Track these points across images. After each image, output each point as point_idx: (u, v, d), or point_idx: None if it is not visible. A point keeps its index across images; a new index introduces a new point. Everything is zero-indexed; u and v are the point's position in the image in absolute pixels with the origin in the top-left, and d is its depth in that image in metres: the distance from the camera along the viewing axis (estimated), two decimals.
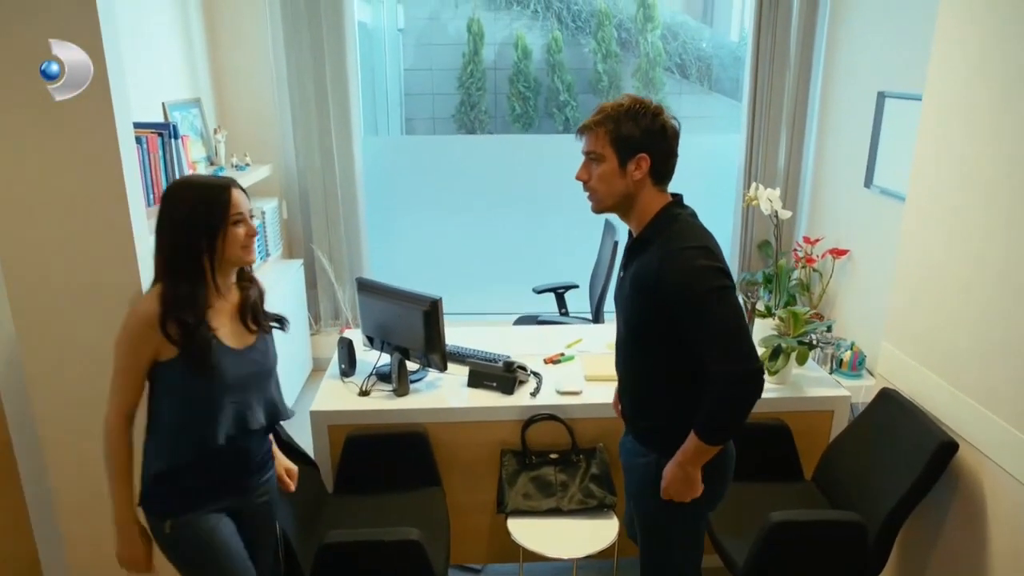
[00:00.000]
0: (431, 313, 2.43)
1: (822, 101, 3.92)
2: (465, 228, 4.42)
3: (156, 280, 1.59)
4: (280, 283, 3.59)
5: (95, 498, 1.99)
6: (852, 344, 3.43)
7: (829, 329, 3.72)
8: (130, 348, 1.55)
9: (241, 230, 1.59)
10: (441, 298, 2.44)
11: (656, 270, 1.60)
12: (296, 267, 3.90)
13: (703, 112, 7.96)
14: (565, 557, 2.18)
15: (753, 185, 2.70)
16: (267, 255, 3.69)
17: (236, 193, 1.60)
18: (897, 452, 2.12)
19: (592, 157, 1.66)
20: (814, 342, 3.54)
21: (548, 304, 3.91)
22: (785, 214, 2.70)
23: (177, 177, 1.74)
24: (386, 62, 7.38)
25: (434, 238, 4.42)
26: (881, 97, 3.35)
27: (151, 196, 2.66)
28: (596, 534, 2.24)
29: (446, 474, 2.44)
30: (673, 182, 1.72)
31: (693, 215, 1.71)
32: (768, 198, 2.65)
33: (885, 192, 3.33)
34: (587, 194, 1.71)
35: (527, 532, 2.25)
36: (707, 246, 1.62)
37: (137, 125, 2.67)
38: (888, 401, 2.29)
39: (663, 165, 1.65)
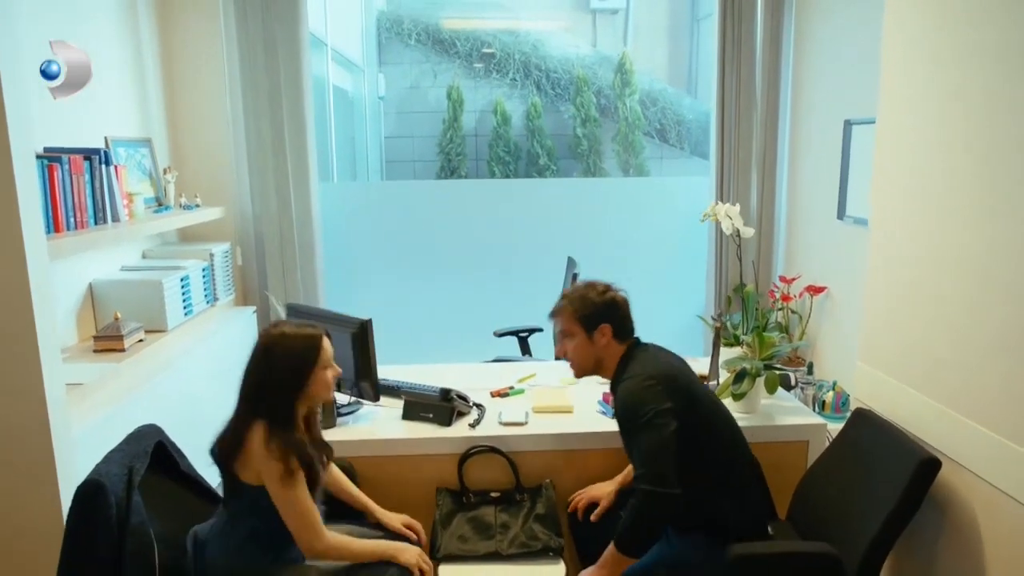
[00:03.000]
0: (360, 335, 2.23)
1: (792, 138, 3.83)
2: (427, 276, 4.24)
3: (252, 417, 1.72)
4: (230, 330, 3.39)
5: None
6: (834, 384, 3.20)
7: (810, 371, 3.50)
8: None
9: (329, 374, 1.82)
10: (371, 319, 2.25)
11: (615, 404, 1.91)
12: (248, 315, 3.70)
13: (683, 174, 7.96)
14: None
15: (712, 203, 2.55)
16: (215, 300, 3.51)
17: (326, 341, 1.83)
18: (875, 477, 1.87)
19: (565, 335, 1.98)
20: (794, 382, 3.33)
21: (512, 350, 3.69)
22: (747, 232, 2.54)
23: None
24: (367, 129, 7.43)
25: (395, 287, 4.24)
26: (848, 125, 3.25)
27: (72, 219, 2.51)
28: None
29: None
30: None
31: (648, 348, 1.98)
32: (727, 214, 2.49)
33: (858, 221, 3.18)
34: (568, 364, 2.02)
35: None
36: (650, 374, 1.85)
37: (61, 149, 2.56)
38: (863, 422, 2.05)
39: (622, 329, 1.96)
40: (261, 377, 1.76)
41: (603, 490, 2.14)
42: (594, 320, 1.93)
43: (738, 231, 2.53)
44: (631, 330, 1.99)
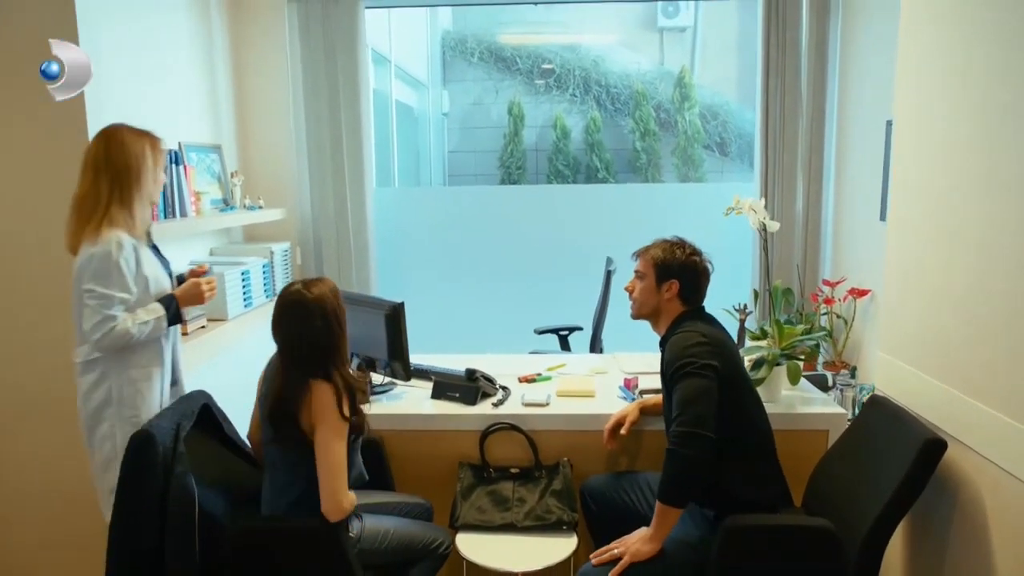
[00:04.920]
0: (392, 317, 2.38)
1: (838, 141, 3.81)
2: (476, 276, 4.39)
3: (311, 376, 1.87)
4: None
5: None
6: (874, 387, 3.14)
7: (853, 375, 3.45)
8: None
9: None
10: (403, 302, 2.40)
11: (663, 356, 1.98)
12: None
13: (745, 188, 7.89)
14: (513, 570, 1.98)
15: (736, 197, 2.60)
16: (274, 295, 3.75)
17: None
18: (884, 460, 1.88)
19: (639, 275, 2.10)
20: (832, 383, 3.29)
21: (553, 348, 3.78)
22: (773, 226, 2.58)
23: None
24: (431, 144, 7.70)
25: (444, 286, 4.41)
26: (889, 126, 3.22)
27: None
28: (550, 550, 2.04)
29: (401, 486, 2.31)
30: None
31: (707, 318, 2.06)
32: (752, 208, 2.54)
33: None
34: (630, 302, 2.13)
35: (475, 546, 2.07)
36: (703, 333, 1.93)
37: None
38: (877, 409, 2.06)
39: (688, 292, 2.04)
40: (317, 335, 1.88)
41: (627, 409, 2.25)
42: (667, 273, 2.03)
43: (764, 225, 2.57)
44: (698, 298, 2.07)
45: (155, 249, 2.16)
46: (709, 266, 2.09)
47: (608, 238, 4.22)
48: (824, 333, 3.26)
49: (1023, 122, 1.59)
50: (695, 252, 2.07)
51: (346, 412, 1.84)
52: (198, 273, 2.22)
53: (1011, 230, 1.64)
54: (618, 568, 1.80)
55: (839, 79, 3.78)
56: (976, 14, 1.79)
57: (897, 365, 2.12)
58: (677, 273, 2.03)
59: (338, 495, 1.82)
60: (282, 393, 1.88)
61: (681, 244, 2.08)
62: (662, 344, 2.05)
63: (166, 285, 2.12)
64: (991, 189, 1.71)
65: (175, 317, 2.08)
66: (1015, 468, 1.61)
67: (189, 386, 2.63)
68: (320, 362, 1.88)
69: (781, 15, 3.79)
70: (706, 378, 1.83)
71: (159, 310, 2.03)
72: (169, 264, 2.20)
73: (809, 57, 3.79)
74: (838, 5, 3.75)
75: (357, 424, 1.93)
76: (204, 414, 2.09)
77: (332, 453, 1.82)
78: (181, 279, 2.23)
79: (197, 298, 2.15)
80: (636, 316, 2.12)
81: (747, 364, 2.34)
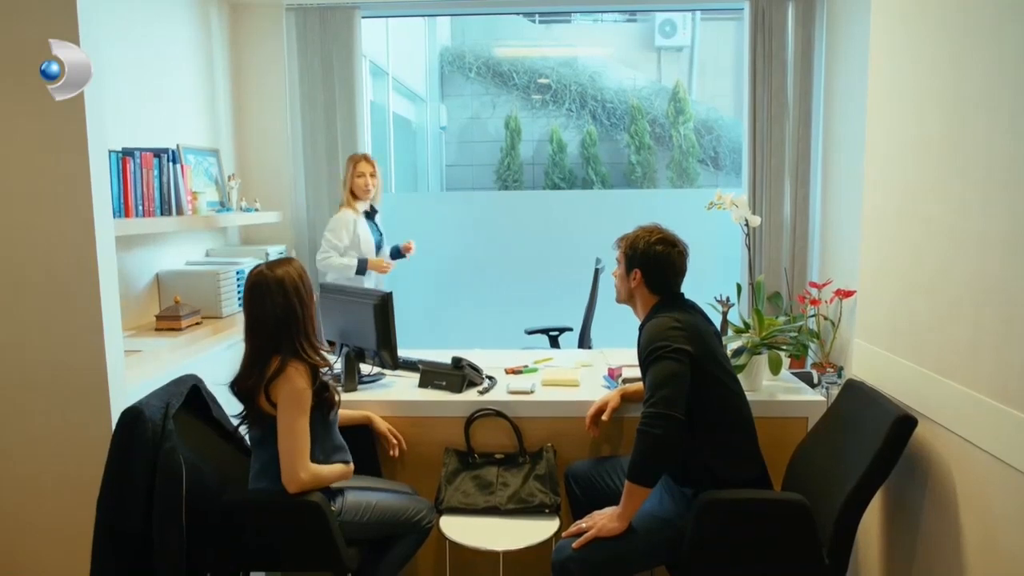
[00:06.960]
0: (380, 307, 2.43)
1: (824, 146, 3.89)
2: (469, 279, 4.44)
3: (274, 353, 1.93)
4: None
5: None
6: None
7: (840, 375, 3.49)
8: None
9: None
10: (391, 292, 2.45)
11: (639, 341, 2.03)
12: None
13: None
14: (495, 549, 2.01)
15: (718, 192, 2.66)
16: None
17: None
18: (857, 440, 1.91)
19: (618, 261, 2.18)
20: (817, 380, 3.33)
21: (543, 348, 3.82)
22: (755, 220, 2.63)
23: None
24: (428, 158, 7.80)
25: (436, 288, 4.46)
26: None
27: (140, 207, 2.84)
28: (533, 531, 2.07)
29: (388, 472, 2.34)
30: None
31: (684, 304, 2.07)
32: (733, 203, 2.59)
33: None
34: None
35: (458, 528, 2.11)
36: (677, 319, 1.96)
37: (136, 148, 2.92)
38: (852, 392, 2.10)
39: (653, 280, 2.07)
40: (278, 313, 1.92)
41: (609, 395, 2.28)
42: (631, 262, 2.08)
43: (746, 220, 2.63)
44: (667, 286, 2.08)
45: (372, 222, 3.68)
46: (682, 254, 2.08)
47: (598, 242, 4.27)
48: (803, 324, 3.31)
49: (988, 114, 1.65)
50: (661, 241, 2.06)
51: (288, 391, 1.86)
52: (408, 247, 3.73)
53: (976, 216, 1.69)
54: (582, 540, 1.84)
55: (824, 86, 3.86)
56: (944, 10, 1.86)
57: (872, 350, 2.17)
58: (639, 263, 2.06)
59: (295, 464, 1.85)
60: (244, 369, 1.96)
61: (649, 233, 2.09)
62: (640, 330, 2.10)
63: (371, 246, 3.58)
64: (958, 179, 1.77)
65: (361, 270, 3.50)
66: (981, 440, 1.65)
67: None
68: (280, 337, 1.93)
69: (767, 25, 3.89)
70: (678, 361, 1.86)
71: (353, 264, 3.48)
72: (381, 234, 3.72)
73: (795, 65, 3.88)
74: (823, 15, 3.85)
75: (327, 399, 1.97)
76: (193, 395, 2.13)
77: (288, 423, 1.86)
78: (396, 250, 3.75)
79: (380, 269, 3.56)
80: (618, 301, 2.20)
81: (728, 353, 2.39)
